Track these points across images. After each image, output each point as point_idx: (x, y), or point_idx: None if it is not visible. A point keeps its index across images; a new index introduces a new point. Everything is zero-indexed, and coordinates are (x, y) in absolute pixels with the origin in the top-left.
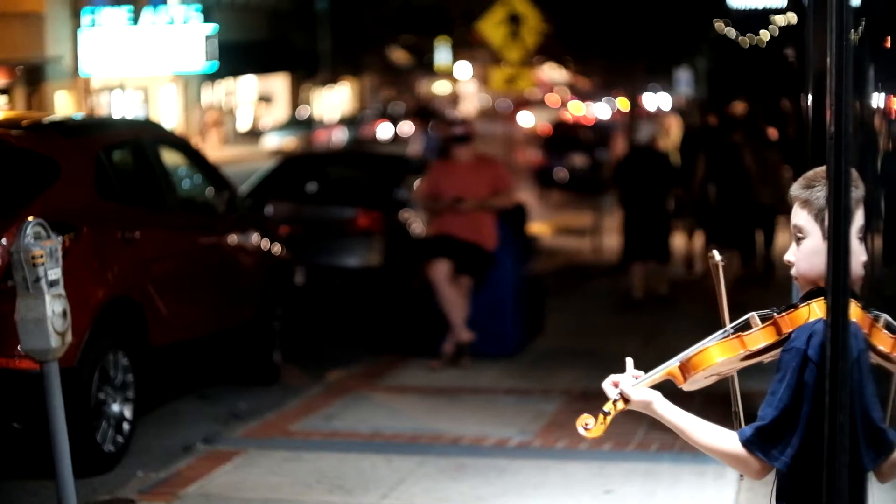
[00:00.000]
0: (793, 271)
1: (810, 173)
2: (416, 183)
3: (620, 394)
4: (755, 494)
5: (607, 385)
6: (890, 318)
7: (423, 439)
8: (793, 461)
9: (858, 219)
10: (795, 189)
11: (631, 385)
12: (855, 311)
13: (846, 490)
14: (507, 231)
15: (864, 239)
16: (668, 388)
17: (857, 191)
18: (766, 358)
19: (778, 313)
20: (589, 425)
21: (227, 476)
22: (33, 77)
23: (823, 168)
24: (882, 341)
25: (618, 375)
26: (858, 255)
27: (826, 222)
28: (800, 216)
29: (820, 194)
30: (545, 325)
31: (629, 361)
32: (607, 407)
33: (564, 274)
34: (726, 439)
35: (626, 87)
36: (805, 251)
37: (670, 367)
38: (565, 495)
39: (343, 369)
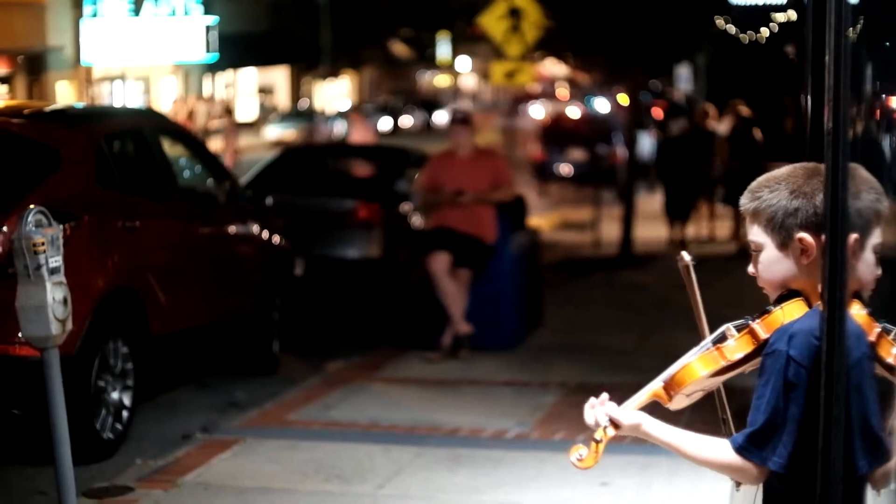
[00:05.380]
0: (759, 282)
1: (754, 183)
2: (416, 175)
3: (610, 419)
4: (753, 488)
5: (587, 410)
6: None
7: (421, 430)
8: (788, 461)
9: (877, 235)
10: (743, 202)
11: (619, 410)
12: (862, 317)
13: (840, 485)
14: (506, 224)
15: (880, 257)
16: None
17: (879, 204)
18: (747, 367)
19: (752, 320)
20: (582, 455)
21: (225, 464)
22: (35, 66)
23: (767, 176)
24: (889, 353)
25: (596, 401)
26: (872, 266)
27: (777, 231)
28: (752, 230)
29: (766, 203)
30: (544, 318)
31: (604, 396)
32: (598, 435)
33: (563, 267)
34: (720, 450)
35: (626, 83)
36: (763, 263)
37: (654, 388)
38: (562, 487)
39: (341, 360)
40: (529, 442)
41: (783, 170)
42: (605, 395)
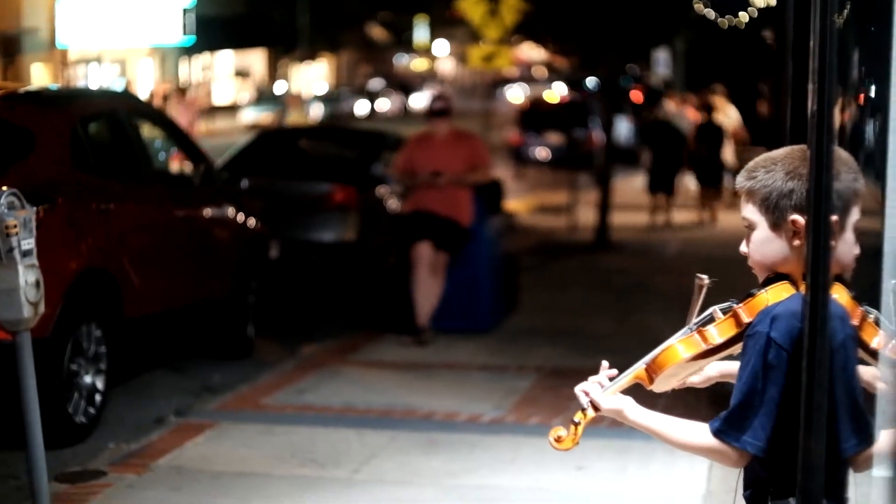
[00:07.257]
0: (749, 261)
1: (751, 163)
2: (393, 158)
3: (591, 402)
4: (728, 471)
5: (579, 391)
6: (881, 315)
7: (396, 414)
8: (768, 445)
9: (855, 213)
10: (739, 181)
11: (600, 392)
12: (845, 298)
13: (821, 472)
14: (482, 207)
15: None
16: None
17: (857, 183)
18: (734, 351)
19: (737, 303)
20: (561, 437)
21: (198, 448)
22: (10, 48)
23: (765, 156)
24: (871, 336)
25: (591, 380)
26: (851, 245)
27: (770, 211)
28: (746, 208)
29: (760, 183)
30: (520, 302)
31: (604, 364)
32: (577, 417)
33: (540, 251)
34: (700, 434)
35: (604, 68)
36: (755, 242)
37: (637, 370)
38: (538, 471)
39: (317, 344)
40: (505, 426)
41: (780, 151)
42: (604, 364)
